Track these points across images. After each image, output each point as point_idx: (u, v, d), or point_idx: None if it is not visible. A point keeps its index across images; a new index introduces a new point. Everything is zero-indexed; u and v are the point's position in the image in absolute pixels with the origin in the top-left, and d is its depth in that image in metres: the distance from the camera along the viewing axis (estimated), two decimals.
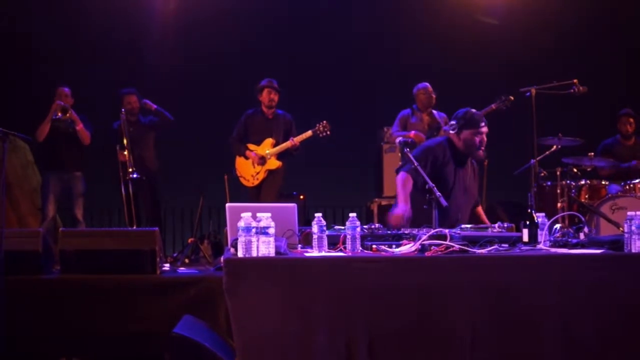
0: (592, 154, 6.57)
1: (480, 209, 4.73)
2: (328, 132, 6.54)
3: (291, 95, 7.04)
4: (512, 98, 6.36)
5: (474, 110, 4.55)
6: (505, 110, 6.43)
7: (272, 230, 2.99)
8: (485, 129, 4.46)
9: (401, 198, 4.31)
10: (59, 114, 6.41)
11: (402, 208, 4.22)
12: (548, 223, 3.52)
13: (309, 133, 6.55)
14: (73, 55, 8.33)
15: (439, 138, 4.74)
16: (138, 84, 7.09)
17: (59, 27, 8.31)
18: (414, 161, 4.07)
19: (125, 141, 6.59)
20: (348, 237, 3.24)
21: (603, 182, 6.50)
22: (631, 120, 7.05)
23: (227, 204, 3.54)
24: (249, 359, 2.95)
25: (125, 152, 6.58)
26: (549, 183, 6.46)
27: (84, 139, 6.53)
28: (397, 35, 8.79)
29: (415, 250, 3.16)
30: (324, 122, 6.53)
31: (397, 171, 4.51)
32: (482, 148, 4.47)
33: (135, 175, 6.49)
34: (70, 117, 6.46)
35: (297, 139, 6.53)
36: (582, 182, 6.42)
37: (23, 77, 8.04)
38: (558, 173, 6.37)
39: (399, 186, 4.39)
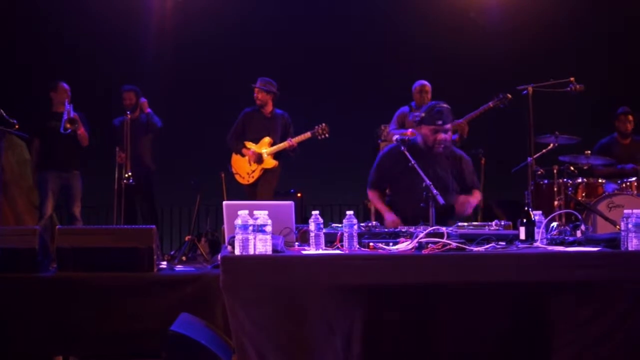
0: (589, 152, 6.58)
1: (474, 192, 4.59)
2: (326, 135, 6.53)
3: (289, 94, 7.03)
4: (509, 96, 6.36)
5: (443, 105, 4.48)
6: (503, 109, 6.44)
7: (269, 228, 2.99)
8: (445, 127, 4.40)
9: (384, 209, 4.51)
10: (69, 126, 6.39)
11: (391, 216, 4.38)
12: (545, 221, 3.52)
13: (308, 134, 6.54)
14: (73, 53, 8.33)
15: (390, 145, 4.76)
16: (136, 82, 7.08)
17: (58, 24, 8.31)
18: (411, 159, 4.08)
19: (125, 142, 6.57)
20: (345, 235, 3.24)
21: (600, 180, 6.50)
22: (630, 118, 7.04)
23: (224, 202, 3.54)
24: (246, 357, 2.95)
25: (124, 155, 6.59)
26: (545, 181, 6.46)
27: (83, 141, 6.52)
28: (395, 33, 8.80)
29: (413, 248, 3.16)
30: (323, 124, 6.52)
31: (367, 189, 4.75)
32: (441, 146, 4.41)
33: (131, 181, 6.47)
34: (77, 125, 6.44)
35: (295, 140, 6.52)
36: (579, 180, 6.42)
37: (20, 75, 8.03)
38: (555, 171, 6.37)
39: (376, 204, 4.64)
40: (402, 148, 4.17)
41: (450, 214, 4.34)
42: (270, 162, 6.55)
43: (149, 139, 6.97)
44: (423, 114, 4.45)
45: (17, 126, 5.87)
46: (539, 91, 5.94)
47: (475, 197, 4.57)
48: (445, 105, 4.48)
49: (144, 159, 6.89)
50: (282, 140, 6.57)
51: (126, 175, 6.48)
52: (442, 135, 4.40)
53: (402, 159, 4.34)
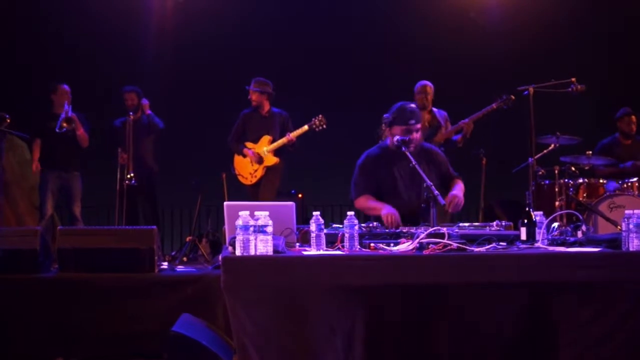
0: (590, 152, 6.57)
1: (457, 182, 4.51)
2: (324, 126, 6.52)
3: (289, 95, 7.03)
4: (513, 97, 6.34)
5: (412, 105, 4.44)
6: (506, 110, 6.43)
7: (270, 229, 2.99)
8: (417, 126, 4.34)
9: (379, 205, 4.26)
10: (65, 125, 6.39)
11: (387, 208, 4.16)
12: (546, 221, 3.52)
13: (305, 128, 6.54)
14: (73, 53, 8.33)
15: (367, 151, 4.67)
16: (137, 83, 7.08)
17: (58, 24, 8.31)
18: (412, 159, 4.06)
19: (127, 143, 6.59)
20: (346, 235, 3.24)
21: (601, 181, 6.50)
22: (634, 119, 7.03)
23: (225, 203, 3.54)
24: (247, 357, 2.95)
25: (126, 156, 6.61)
26: (547, 181, 6.46)
27: (83, 142, 6.53)
28: (395, 34, 8.79)
29: (413, 248, 3.16)
30: (320, 116, 6.53)
31: (353, 199, 4.48)
32: (412, 145, 4.28)
33: (133, 182, 6.50)
34: (75, 125, 6.45)
35: (294, 134, 6.53)
36: (580, 180, 6.42)
37: (20, 75, 8.03)
38: (556, 171, 6.37)
39: (368, 204, 4.36)
40: (403, 149, 4.15)
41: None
42: (271, 160, 6.56)
43: (151, 140, 6.98)
44: (394, 115, 4.40)
45: (8, 120, 5.87)
46: (540, 92, 5.94)
47: (460, 187, 4.46)
48: (414, 105, 4.46)
49: (146, 160, 6.90)
50: (281, 138, 6.58)
51: (128, 176, 6.50)
52: (414, 135, 4.34)
53: (383, 162, 4.38)
